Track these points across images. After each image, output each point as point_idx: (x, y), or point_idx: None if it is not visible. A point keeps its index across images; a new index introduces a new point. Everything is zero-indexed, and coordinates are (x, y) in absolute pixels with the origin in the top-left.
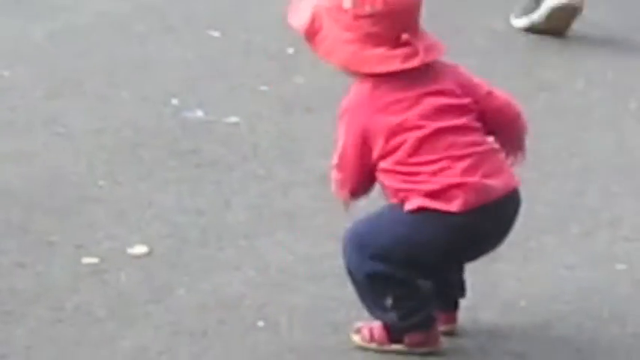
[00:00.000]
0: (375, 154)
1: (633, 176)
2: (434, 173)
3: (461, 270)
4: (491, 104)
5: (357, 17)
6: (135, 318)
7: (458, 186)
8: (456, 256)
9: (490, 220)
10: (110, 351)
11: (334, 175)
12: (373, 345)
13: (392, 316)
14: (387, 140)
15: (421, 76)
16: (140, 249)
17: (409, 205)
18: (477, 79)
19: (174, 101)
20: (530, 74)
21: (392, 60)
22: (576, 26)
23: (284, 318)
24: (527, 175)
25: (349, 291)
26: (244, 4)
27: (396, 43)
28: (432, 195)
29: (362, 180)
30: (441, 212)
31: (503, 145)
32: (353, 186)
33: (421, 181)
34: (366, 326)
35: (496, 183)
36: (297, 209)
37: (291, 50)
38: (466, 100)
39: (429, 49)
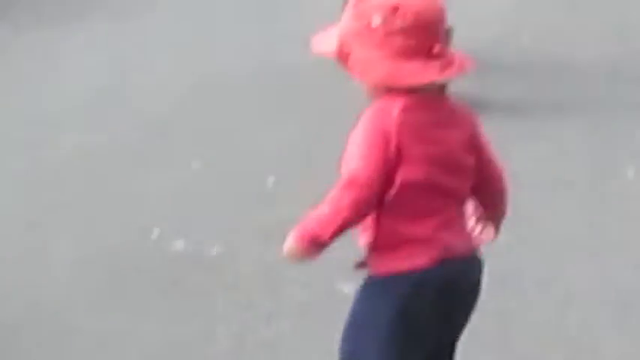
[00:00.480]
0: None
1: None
2: (412, 225)
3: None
4: (487, 172)
5: (388, 34)
6: None
7: (426, 242)
8: (441, 318)
9: (454, 275)
10: None
11: (329, 207)
12: None
13: None
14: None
15: (446, 109)
16: None
17: (375, 271)
18: (485, 139)
19: (156, 231)
20: None
21: (430, 70)
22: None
23: None
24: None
25: None
26: (225, 135)
27: (430, 55)
28: (399, 248)
29: (379, 181)
30: (408, 273)
31: (483, 202)
32: (366, 191)
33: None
34: None
35: (460, 244)
36: (280, 339)
37: (271, 180)
38: (470, 161)
39: (463, 59)
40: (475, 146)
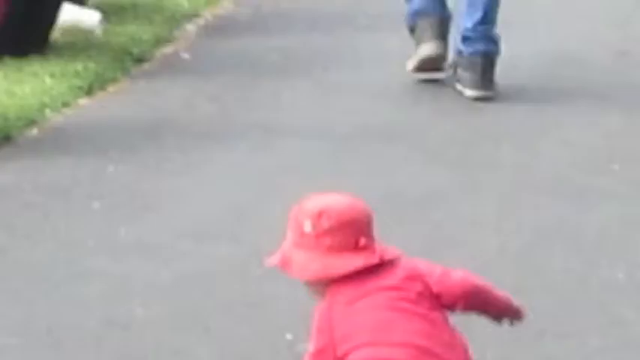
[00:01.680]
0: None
1: None
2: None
3: None
4: (446, 283)
5: (318, 236)
6: None
7: None
8: None
9: None
10: None
11: None
12: None
13: None
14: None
15: (378, 275)
16: None
17: None
18: (424, 265)
19: (289, 336)
20: None
21: (355, 260)
22: None
23: None
24: None
25: None
26: None
27: (356, 248)
28: None
29: None
30: None
31: (490, 314)
32: None
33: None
34: None
35: None
36: None
37: None
38: (418, 288)
39: (385, 250)
40: (423, 281)
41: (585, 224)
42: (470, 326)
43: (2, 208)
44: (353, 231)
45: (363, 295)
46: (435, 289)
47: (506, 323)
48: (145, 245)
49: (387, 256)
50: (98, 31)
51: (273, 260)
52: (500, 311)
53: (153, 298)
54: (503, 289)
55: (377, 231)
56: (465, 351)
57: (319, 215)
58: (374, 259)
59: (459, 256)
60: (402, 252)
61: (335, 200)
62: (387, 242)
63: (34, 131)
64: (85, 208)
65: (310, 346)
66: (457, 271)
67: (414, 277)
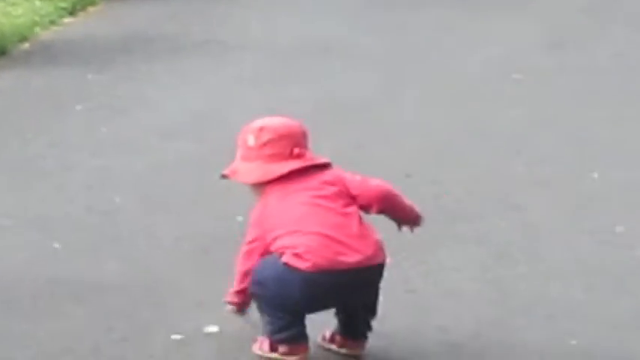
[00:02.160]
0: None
1: None
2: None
3: (367, 312)
4: (364, 187)
5: (259, 147)
6: None
7: (311, 251)
8: (317, 305)
9: (341, 284)
10: None
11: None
12: (259, 352)
13: (268, 330)
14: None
15: (306, 178)
16: None
17: (283, 258)
18: (348, 173)
19: (240, 218)
20: None
21: (289, 165)
22: None
23: None
24: None
25: None
26: None
27: (291, 155)
28: (295, 255)
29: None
30: (298, 269)
31: (395, 218)
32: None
33: (292, 245)
34: (260, 339)
35: (350, 258)
36: None
37: None
38: (336, 189)
39: (315, 157)
40: (343, 184)
41: (496, 124)
42: None
43: None
44: (288, 142)
45: (290, 193)
46: (354, 192)
47: (407, 229)
48: (120, 142)
49: (317, 161)
50: None
51: (224, 171)
52: (405, 216)
53: (127, 187)
54: (424, 181)
55: (312, 126)
56: (376, 242)
57: (260, 130)
58: (303, 164)
59: (383, 150)
60: (329, 160)
61: (273, 119)
62: (321, 137)
63: (26, 45)
64: (69, 109)
65: (246, 237)
66: (374, 179)
67: (335, 181)
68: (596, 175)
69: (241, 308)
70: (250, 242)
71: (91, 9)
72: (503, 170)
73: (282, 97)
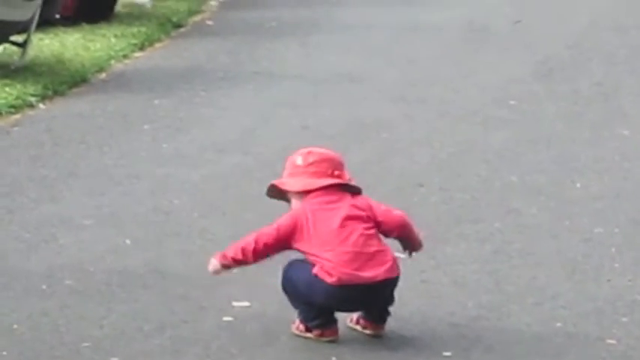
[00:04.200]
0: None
1: None
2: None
3: (386, 304)
4: (388, 215)
5: (305, 166)
6: None
7: (337, 267)
8: (340, 309)
9: (361, 294)
10: None
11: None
12: (297, 332)
13: (301, 317)
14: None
15: (341, 197)
16: None
17: (314, 270)
18: (375, 202)
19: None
20: None
21: (329, 181)
22: None
23: None
24: None
25: None
26: None
27: (331, 175)
28: (324, 269)
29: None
30: (325, 281)
31: (407, 243)
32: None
33: (323, 259)
34: (297, 321)
35: (369, 273)
36: None
37: None
38: (365, 213)
39: (351, 179)
40: (371, 210)
41: (495, 141)
42: None
43: (80, 128)
44: (329, 165)
45: (326, 209)
46: (380, 218)
47: (408, 253)
48: (180, 156)
49: (352, 182)
50: (148, 5)
51: (273, 181)
52: (414, 242)
53: (185, 193)
54: (434, 189)
55: (340, 142)
56: (392, 260)
57: (308, 153)
58: (341, 181)
59: (399, 163)
60: (360, 188)
61: (318, 148)
62: (348, 152)
63: (103, 75)
64: (137, 128)
65: (277, 221)
66: (397, 210)
67: (364, 207)
68: (579, 185)
69: (223, 270)
70: (276, 228)
71: (157, 44)
72: (501, 180)
73: (316, 117)
